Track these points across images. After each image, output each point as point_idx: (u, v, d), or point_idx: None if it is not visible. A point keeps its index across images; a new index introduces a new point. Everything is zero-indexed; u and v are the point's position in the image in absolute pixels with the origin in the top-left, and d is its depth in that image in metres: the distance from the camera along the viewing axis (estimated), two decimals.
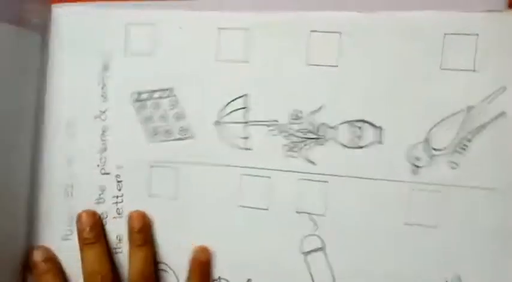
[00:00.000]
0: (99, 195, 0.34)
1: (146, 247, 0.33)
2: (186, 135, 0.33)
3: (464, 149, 0.29)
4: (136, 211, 0.34)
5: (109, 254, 0.34)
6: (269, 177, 0.32)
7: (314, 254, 0.32)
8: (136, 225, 0.33)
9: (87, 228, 0.33)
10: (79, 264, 0.34)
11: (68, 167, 0.35)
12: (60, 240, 0.35)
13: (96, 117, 0.34)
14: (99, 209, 0.35)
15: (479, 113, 0.29)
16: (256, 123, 0.32)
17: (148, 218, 0.34)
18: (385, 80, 0.30)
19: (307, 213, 0.32)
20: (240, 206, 0.33)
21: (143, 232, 0.33)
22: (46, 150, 0.35)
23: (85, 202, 0.35)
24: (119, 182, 0.34)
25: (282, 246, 0.32)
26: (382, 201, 0.31)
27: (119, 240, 0.34)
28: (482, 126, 0.29)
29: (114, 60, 0.34)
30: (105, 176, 0.34)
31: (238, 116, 0.32)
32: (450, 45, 0.29)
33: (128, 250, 0.33)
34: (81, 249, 0.33)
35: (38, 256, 0.34)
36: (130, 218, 0.33)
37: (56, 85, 0.35)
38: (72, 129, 0.35)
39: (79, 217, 0.34)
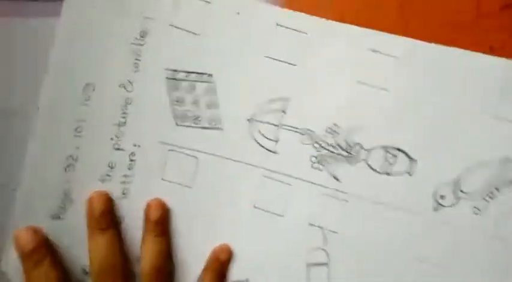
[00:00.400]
0: (107, 171, 0.32)
1: (162, 239, 0.31)
2: (215, 126, 0.32)
3: (491, 199, 0.30)
4: (156, 199, 0.31)
5: (121, 242, 0.31)
6: (290, 184, 0.32)
7: (317, 268, 0.32)
8: (154, 215, 0.31)
9: (99, 212, 0.30)
10: (71, 249, 0.31)
11: (74, 136, 0.32)
12: (49, 218, 0.31)
13: (120, 86, 0.32)
14: (102, 187, 0.32)
15: None
16: (290, 128, 0.31)
17: (167, 208, 0.32)
18: (432, 114, 0.30)
19: (320, 227, 0.31)
20: (255, 207, 0.32)
21: (160, 223, 0.31)
22: (52, 114, 0.31)
23: (87, 177, 0.32)
24: (132, 160, 0.32)
25: (288, 254, 0.32)
26: (396, 231, 0.31)
27: (120, 222, 0.32)
28: None
29: (155, 28, 0.32)
30: (118, 151, 0.32)
31: (274, 117, 0.31)
32: (505, 93, 0.30)
33: (142, 239, 0.31)
34: (91, 235, 0.30)
35: (27, 241, 0.29)
36: (149, 206, 0.31)
37: (81, 42, 0.32)
38: (89, 93, 0.32)
39: (90, 199, 0.31)
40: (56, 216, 0.32)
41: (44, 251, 0.30)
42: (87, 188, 0.31)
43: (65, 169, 0.32)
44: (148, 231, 0.31)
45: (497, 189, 0.30)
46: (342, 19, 0.30)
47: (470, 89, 0.30)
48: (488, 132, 0.30)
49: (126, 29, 0.32)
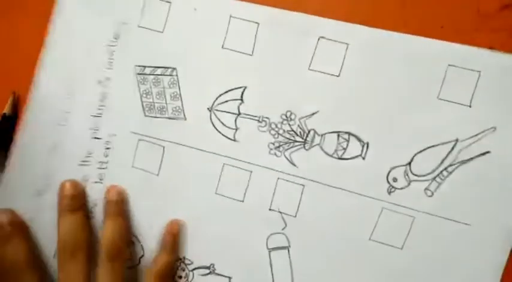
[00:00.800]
0: (85, 157, 0.35)
1: (122, 218, 0.34)
2: (179, 116, 0.34)
3: (442, 180, 0.30)
4: (115, 185, 0.34)
5: (88, 225, 0.34)
6: (250, 171, 0.33)
7: (278, 252, 0.33)
8: (115, 197, 0.34)
9: (70, 196, 0.34)
10: (49, 225, 0.34)
11: (59, 124, 0.35)
12: (32, 195, 0.35)
13: (99, 82, 0.35)
14: (82, 171, 0.35)
15: (465, 148, 0.29)
16: (248, 116, 0.33)
17: (126, 193, 0.35)
18: (382, 98, 0.31)
19: (279, 212, 0.32)
20: (217, 193, 0.33)
21: (120, 203, 0.34)
22: (41, 104, 0.35)
23: (69, 161, 0.35)
24: (107, 148, 0.35)
25: (250, 239, 0.33)
26: (351, 214, 0.31)
27: (95, 204, 0.35)
28: (465, 162, 0.29)
29: (126, 30, 0.34)
30: (96, 140, 0.35)
31: (233, 106, 0.33)
32: (452, 77, 0.30)
33: (103, 221, 0.34)
34: (61, 215, 0.33)
35: (3, 218, 0.33)
36: (108, 191, 0.34)
37: (64, 42, 0.35)
38: (72, 88, 0.35)
39: (62, 186, 0.34)
40: (39, 193, 0.35)
41: (16, 226, 0.34)
42: (68, 172, 0.35)
43: (49, 152, 0.35)
44: (109, 212, 0.34)
45: (448, 171, 0.30)
46: (343, 19, 0.31)
47: (420, 73, 0.30)
48: (438, 114, 0.30)
49: (103, 33, 0.35)
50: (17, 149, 0.35)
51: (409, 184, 0.30)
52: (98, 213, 0.35)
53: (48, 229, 0.35)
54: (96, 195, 0.35)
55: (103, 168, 0.35)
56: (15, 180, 0.35)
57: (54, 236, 0.34)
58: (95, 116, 0.35)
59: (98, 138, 0.35)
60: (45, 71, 0.35)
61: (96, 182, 0.35)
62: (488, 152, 0.29)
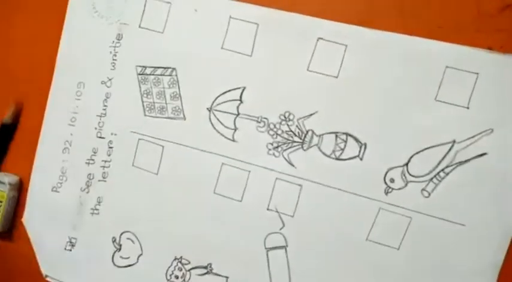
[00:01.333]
0: (91, 156, 0.36)
1: None
2: (179, 116, 0.34)
3: (439, 181, 0.30)
4: None
5: None
6: (249, 171, 0.33)
7: (276, 251, 0.33)
8: None
9: None
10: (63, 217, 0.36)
11: (69, 125, 0.36)
12: (50, 191, 0.37)
13: (102, 83, 0.36)
14: (88, 170, 0.36)
15: (462, 150, 0.29)
16: (247, 117, 0.33)
17: None
18: (380, 99, 0.31)
19: (277, 211, 0.33)
20: (216, 193, 0.34)
21: None
22: (56, 104, 0.37)
23: (78, 160, 0.36)
24: (110, 148, 0.35)
25: (247, 238, 0.33)
26: (349, 214, 0.32)
27: (99, 202, 0.36)
28: (462, 163, 0.29)
29: (128, 31, 0.35)
30: (100, 139, 0.36)
31: (232, 106, 0.33)
32: (449, 78, 0.30)
33: None
34: None
35: None
36: None
37: (73, 47, 0.36)
38: (80, 89, 0.36)
39: None
40: (55, 190, 0.37)
41: None
42: (77, 170, 0.36)
43: (62, 151, 0.37)
44: None
45: (445, 172, 0.30)
46: (342, 20, 0.31)
47: (417, 74, 0.30)
48: (435, 116, 0.30)
49: (106, 35, 0.35)
50: (38, 150, 0.37)
51: (406, 185, 0.30)
52: (102, 211, 0.35)
53: (63, 223, 0.37)
54: (100, 193, 0.36)
55: (106, 167, 0.36)
56: (36, 178, 0.37)
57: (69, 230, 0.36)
58: (100, 116, 0.36)
59: (101, 137, 0.36)
60: (58, 76, 0.36)
61: (100, 181, 0.36)
62: (485, 154, 0.29)
